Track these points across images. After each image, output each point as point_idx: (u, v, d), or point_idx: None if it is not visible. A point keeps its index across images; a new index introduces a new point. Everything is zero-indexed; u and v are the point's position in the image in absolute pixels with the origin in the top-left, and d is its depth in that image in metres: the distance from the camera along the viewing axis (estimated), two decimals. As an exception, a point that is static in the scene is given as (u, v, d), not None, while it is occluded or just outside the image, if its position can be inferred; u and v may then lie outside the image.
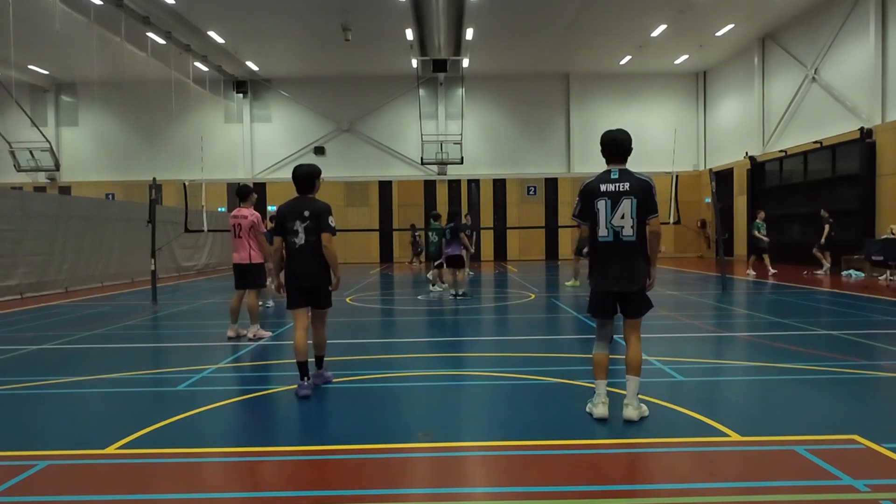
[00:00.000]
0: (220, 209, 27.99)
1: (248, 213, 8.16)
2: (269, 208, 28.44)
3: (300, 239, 5.21)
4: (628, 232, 4.26)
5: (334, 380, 5.72)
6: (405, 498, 3.19)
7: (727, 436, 3.99)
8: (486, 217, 28.50)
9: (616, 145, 4.39)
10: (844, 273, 16.95)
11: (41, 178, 28.46)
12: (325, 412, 4.77)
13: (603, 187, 4.31)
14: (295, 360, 5.19)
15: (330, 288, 5.39)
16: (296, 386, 5.20)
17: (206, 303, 13.04)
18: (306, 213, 5.22)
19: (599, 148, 4.48)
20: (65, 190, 28.35)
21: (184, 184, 14.31)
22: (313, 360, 5.50)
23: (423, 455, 3.83)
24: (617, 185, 4.28)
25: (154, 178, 13.89)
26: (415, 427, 4.40)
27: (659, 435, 4.07)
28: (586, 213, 4.40)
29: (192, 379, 5.84)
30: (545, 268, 22.81)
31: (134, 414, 4.76)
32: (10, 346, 7.71)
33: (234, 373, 6.26)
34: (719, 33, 23.26)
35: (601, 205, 4.29)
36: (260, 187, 28.53)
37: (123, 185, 28.55)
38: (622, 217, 4.24)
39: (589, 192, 4.36)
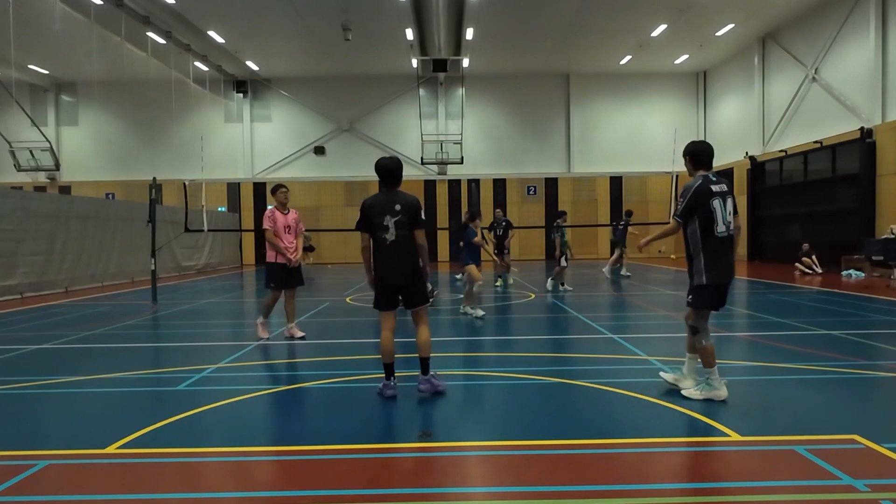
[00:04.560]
0: (220, 209, 28.00)
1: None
2: (269, 208, 28.47)
3: (391, 235, 5.02)
4: (731, 228, 4.80)
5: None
6: (405, 498, 3.19)
7: (727, 436, 4.00)
8: (487, 217, 28.46)
9: (711, 154, 4.94)
10: (844, 273, 16.95)
11: (41, 177, 28.46)
12: (325, 412, 4.77)
13: (714, 188, 4.75)
14: (382, 361, 5.11)
15: (425, 283, 5.21)
16: (381, 386, 5.08)
17: (205, 303, 13.04)
18: (397, 207, 5.02)
19: (689, 156, 4.95)
20: (65, 190, 28.34)
21: (184, 183, 14.31)
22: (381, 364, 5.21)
23: (423, 455, 3.84)
24: (720, 186, 4.79)
25: (154, 178, 13.89)
26: (415, 427, 4.41)
27: (659, 435, 4.07)
28: (691, 213, 4.76)
29: (192, 379, 5.84)
30: (545, 267, 22.80)
31: (134, 414, 4.76)
32: (10, 346, 7.71)
33: (234, 373, 6.25)
34: (719, 33, 23.26)
35: (716, 204, 4.73)
36: (260, 187, 28.58)
37: (123, 184, 28.53)
38: (729, 214, 4.78)
39: (702, 194, 4.73)
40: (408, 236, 5.05)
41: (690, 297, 4.87)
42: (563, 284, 13.89)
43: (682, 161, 5.07)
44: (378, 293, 5.16)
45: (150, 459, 3.78)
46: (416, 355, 5.17)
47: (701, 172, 4.87)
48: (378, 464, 3.68)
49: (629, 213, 18.59)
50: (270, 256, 7.92)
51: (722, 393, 4.75)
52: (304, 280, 8.14)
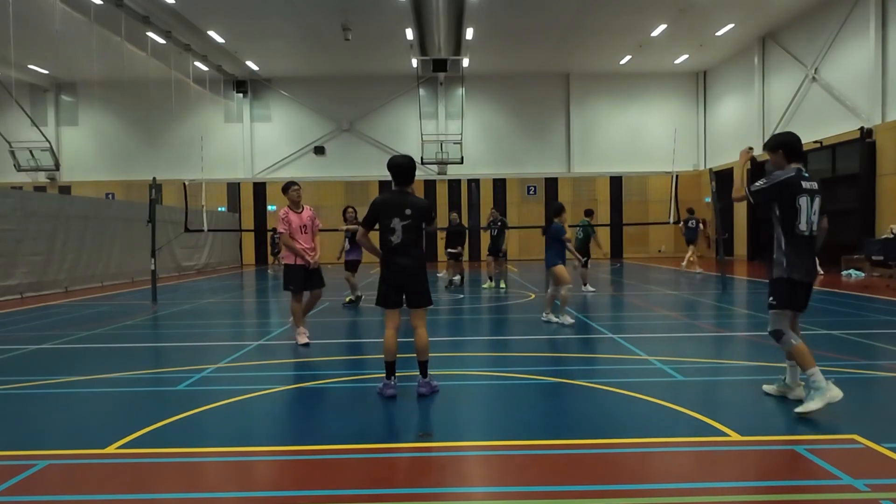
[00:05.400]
0: (220, 209, 27.99)
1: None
2: (270, 208, 28.50)
3: (397, 237, 5.00)
4: (815, 228, 4.58)
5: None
6: (405, 498, 3.19)
7: (727, 436, 3.99)
8: (486, 217, 28.49)
9: (801, 145, 4.72)
10: (844, 273, 16.94)
11: (41, 177, 28.45)
12: (326, 412, 4.77)
13: (804, 184, 4.51)
14: (383, 360, 5.10)
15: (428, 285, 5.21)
16: (381, 385, 5.07)
17: (205, 303, 13.04)
18: (408, 212, 5.00)
19: (781, 149, 4.68)
20: (65, 190, 28.33)
21: (184, 183, 14.32)
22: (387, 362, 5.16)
23: (423, 455, 3.84)
24: (811, 184, 4.56)
25: (154, 178, 13.89)
26: (415, 427, 4.41)
27: (659, 435, 4.07)
28: (767, 199, 4.56)
29: (192, 379, 5.83)
30: (545, 267, 22.79)
31: (134, 414, 4.76)
32: (10, 346, 7.71)
33: (234, 373, 6.25)
34: (719, 33, 23.26)
35: (803, 201, 4.49)
36: (260, 187, 28.59)
37: (123, 184, 28.53)
38: (815, 213, 4.54)
39: (792, 186, 4.49)
40: (414, 239, 5.05)
41: (771, 297, 4.56)
42: (585, 284, 13.48)
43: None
44: (383, 291, 5.16)
45: (150, 459, 3.78)
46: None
47: (794, 165, 4.59)
48: (378, 464, 3.68)
49: (691, 211, 18.63)
50: (289, 258, 7.62)
51: (836, 392, 4.23)
52: (324, 281, 7.88)
